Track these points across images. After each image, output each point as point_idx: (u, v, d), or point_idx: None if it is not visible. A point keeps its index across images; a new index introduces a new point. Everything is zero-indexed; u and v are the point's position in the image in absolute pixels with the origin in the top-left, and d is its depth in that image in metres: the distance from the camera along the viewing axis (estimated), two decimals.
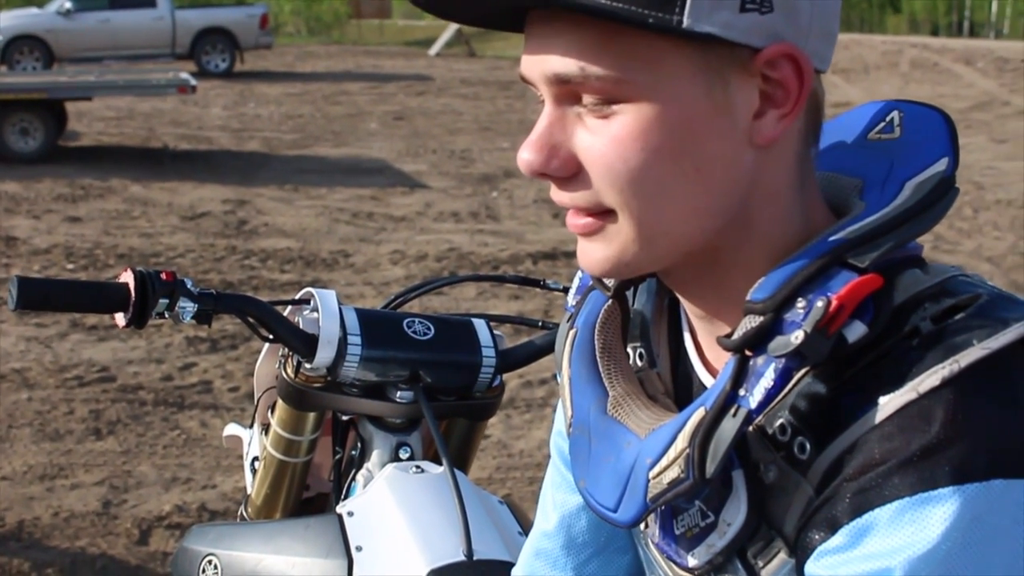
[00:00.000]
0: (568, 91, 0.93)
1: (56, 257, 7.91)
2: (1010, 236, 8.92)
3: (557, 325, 1.67)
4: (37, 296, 1.38)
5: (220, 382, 5.64)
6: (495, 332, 1.57)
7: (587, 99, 0.92)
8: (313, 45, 36.17)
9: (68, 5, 22.57)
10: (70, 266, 7.70)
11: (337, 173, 11.70)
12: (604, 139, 0.92)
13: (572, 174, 0.95)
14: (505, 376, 1.58)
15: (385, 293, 7.19)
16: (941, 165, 0.98)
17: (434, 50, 31.77)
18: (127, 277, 1.42)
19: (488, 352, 1.54)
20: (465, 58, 29.95)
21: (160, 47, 22.79)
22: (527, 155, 0.95)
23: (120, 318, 1.42)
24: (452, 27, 34.11)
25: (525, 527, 1.60)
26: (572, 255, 8.06)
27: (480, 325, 1.58)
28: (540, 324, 1.72)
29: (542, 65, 0.94)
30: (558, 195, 0.98)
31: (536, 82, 0.96)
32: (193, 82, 12.70)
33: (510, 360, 1.59)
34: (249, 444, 1.78)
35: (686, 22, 0.87)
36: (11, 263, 7.78)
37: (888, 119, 1.03)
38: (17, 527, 4.15)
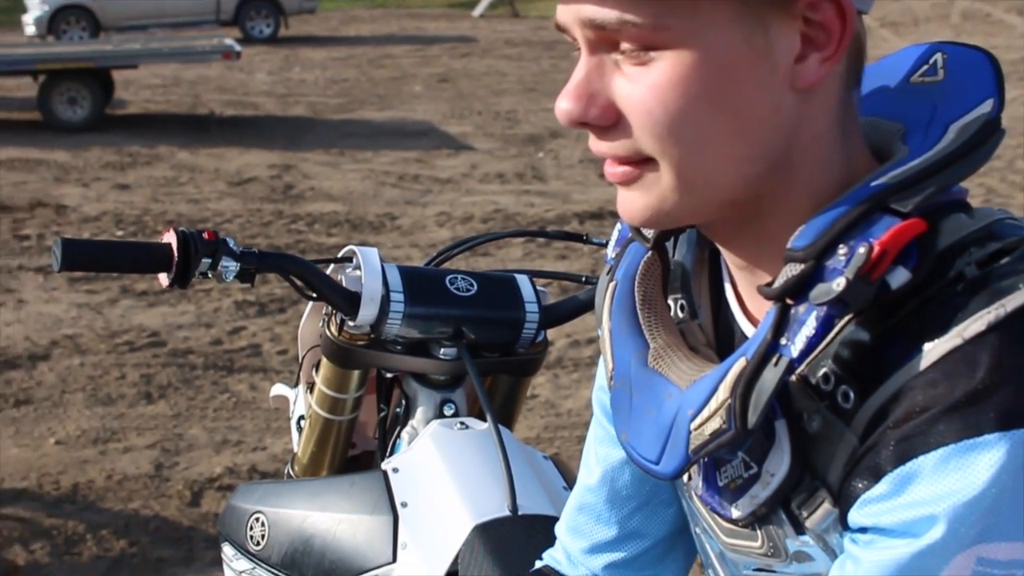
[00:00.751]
0: (605, 38, 0.92)
1: (106, 224, 7.98)
2: None
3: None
4: (81, 257, 1.39)
5: (269, 345, 5.68)
6: (538, 288, 1.57)
7: (624, 46, 0.91)
8: (357, 9, 36.11)
9: None
10: (119, 232, 7.76)
11: (382, 136, 11.71)
12: (643, 86, 0.91)
13: (611, 123, 0.94)
14: (552, 335, 1.58)
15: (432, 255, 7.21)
16: (986, 107, 0.96)
17: (478, 11, 31.64)
18: (170, 237, 1.43)
19: (531, 308, 1.54)
20: (509, 19, 29.80)
21: (205, 14, 22.85)
22: (565, 104, 0.94)
23: (164, 278, 1.43)
24: None
25: (570, 482, 1.60)
26: (618, 215, 8.04)
27: (523, 281, 1.58)
28: (584, 280, 1.71)
29: (578, 11, 0.92)
30: (596, 145, 0.97)
31: (571, 28, 0.95)
32: (238, 48, 12.73)
33: (553, 315, 1.58)
34: (295, 403, 1.79)
35: None
36: (61, 230, 7.85)
37: (932, 61, 1.01)
38: (72, 490, 4.21)
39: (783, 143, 0.93)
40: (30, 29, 22.12)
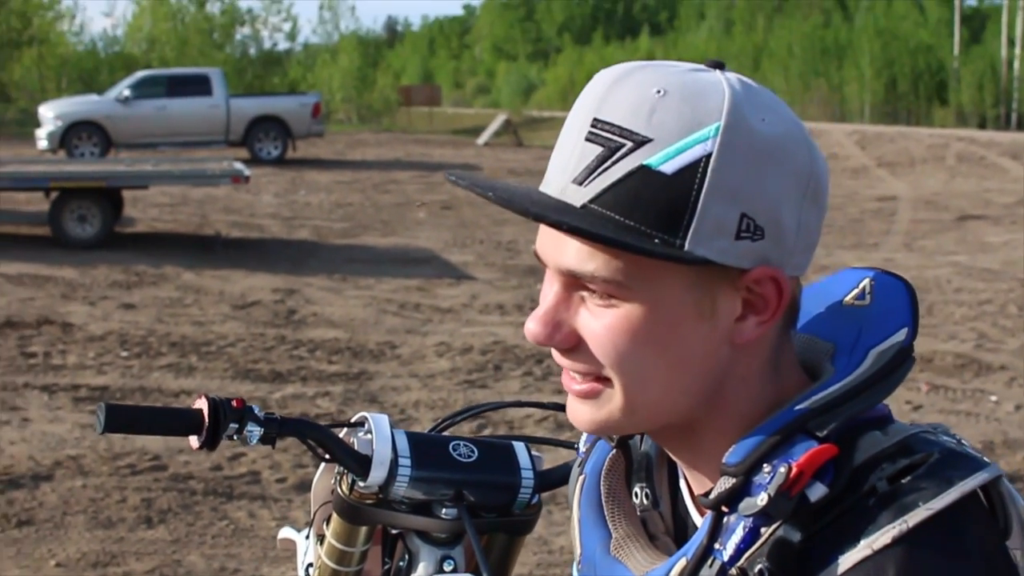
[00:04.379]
0: (576, 281, 1.08)
1: (110, 344, 8.12)
2: None
3: None
4: (122, 421, 1.53)
5: (268, 472, 5.77)
6: (534, 454, 1.70)
7: (592, 290, 1.07)
8: (364, 133, 36.75)
9: (127, 92, 23.20)
10: (124, 353, 7.90)
11: (385, 263, 11.93)
12: (601, 325, 1.06)
13: (573, 347, 1.09)
14: None
15: (431, 385, 7.33)
16: (901, 335, 1.10)
17: (483, 139, 32.22)
18: (201, 404, 1.56)
19: (527, 474, 1.67)
20: (513, 147, 30.35)
21: (214, 134, 23.33)
22: (534, 327, 1.09)
23: (194, 440, 1.56)
24: (501, 117, 34.59)
25: None
26: None
27: (520, 448, 1.71)
28: (575, 447, 1.84)
29: (557, 257, 1.08)
30: (560, 359, 1.12)
31: (549, 266, 1.10)
32: (247, 172, 13.01)
33: (547, 480, 1.71)
34: (305, 552, 1.91)
35: (688, 246, 1.01)
36: (67, 349, 7.99)
37: (861, 287, 1.16)
38: None
39: (715, 382, 1.09)
40: (42, 143, 22.56)
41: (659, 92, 1.01)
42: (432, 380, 7.47)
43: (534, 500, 1.68)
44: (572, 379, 1.11)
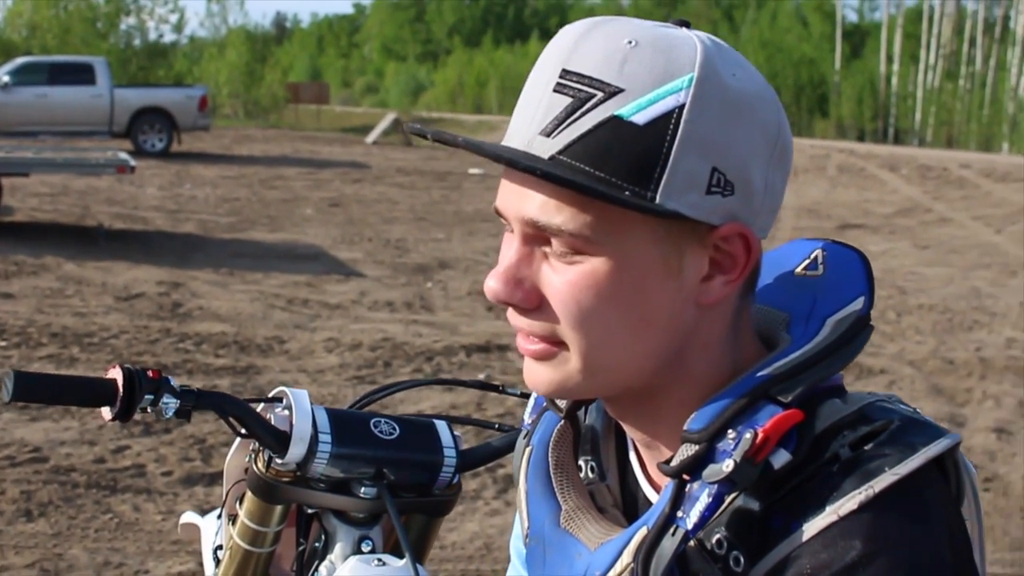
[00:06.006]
0: (539, 235, 1.04)
1: None
2: (931, 340, 9.17)
3: (512, 428, 1.75)
4: (31, 389, 1.46)
5: (153, 466, 5.64)
6: (455, 434, 1.67)
7: (556, 245, 1.03)
8: (251, 128, 36.29)
9: (6, 79, 22.57)
10: (2, 343, 7.67)
11: (272, 258, 11.77)
12: (564, 281, 1.03)
13: (534, 306, 1.06)
14: None
15: (320, 381, 7.24)
16: (858, 304, 1.10)
17: (371, 138, 32.04)
18: (115, 373, 1.50)
19: (449, 452, 1.63)
20: (402, 147, 30.22)
21: (97, 124, 22.81)
22: (494, 284, 1.06)
23: (107, 412, 1.50)
24: (390, 116, 34.46)
25: None
26: (505, 348, 8.17)
27: (442, 426, 1.67)
28: (496, 427, 1.81)
29: (520, 207, 1.04)
30: (516, 320, 1.08)
31: (510, 219, 1.06)
32: (132, 163, 12.75)
33: (469, 460, 1.68)
34: (217, 533, 1.85)
35: (659, 199, 0.99)
36: None
37: (813, 257, 1.16)
38: None
39: (678, 344, 1.06)
40: None
41: (630, 43, 1.00)
42: (321, 375, 7.38)
43: (455, 480, 1.65)
44: (528, 339, 1.08)
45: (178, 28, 41.43)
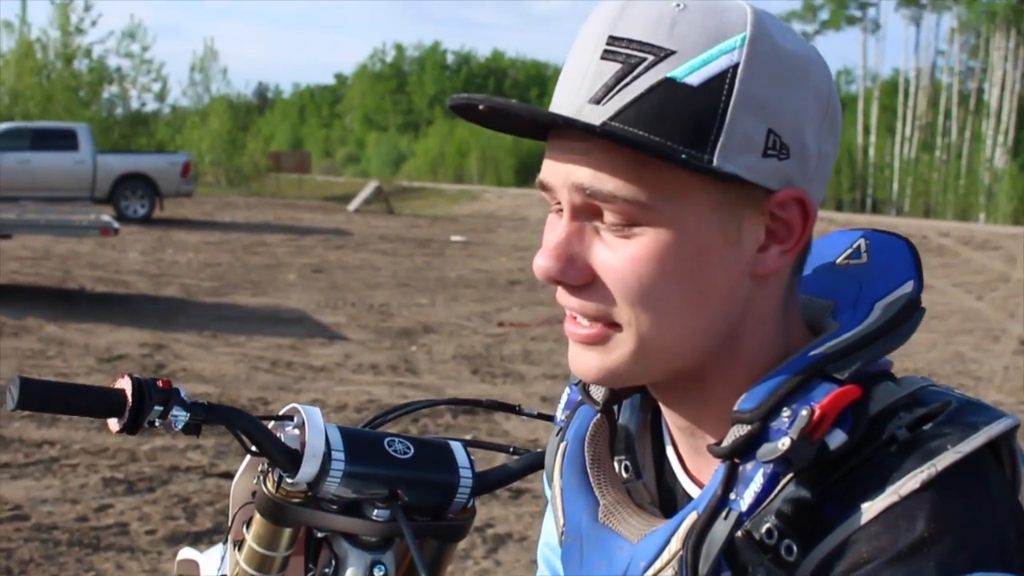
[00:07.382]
0: (591, 206, 1.00)
1: None
2: None
3: (527, 451, 1.71)
4: (37, 397, 1.40)
5: (137, 524, 5.54)
6: (471, 456, 1.62)
7: (608, 217, 1.00)
8: (233, 196, 36.34)
9: None
10: None
11: (256, 321, 11.70)
12: (622, 257, 0.99)
13: (585, 283, 1.02)
14: None
15: None
16: (908, 287, 1.07)
17: (353, 205, 32.09)
18: (124, 383, 1.45)
19: (465, 473, 1.58)
20: (384, 215, 30.27)
21: (80, 190, 22.77)
22: (544, 262, 1.02)
23: (114, 423, 1.44)
24: (372, 184, 34.57)
25: None
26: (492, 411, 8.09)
27: (457, 447, 1.62)
28: (511, 450, 1.76)
29: (570, 175, 1.00)
30: (566, 299, 1.04)
31: (558, 189, 1.02)
32: (116, 225, 12.71)
33: (485, 482, 1.63)
34: (222, 560, 1.79)
35: (716, 161, 0.96)
36: None
37: (856, 246, 1.14)
38: None
39: (734, 321, 1.03)
40: None
41: (679, 6, 0.98)
42: None
43: (470, 503, 1.59)
44: (578, 324, 1.04)
45: (160, 97, 41.33)
